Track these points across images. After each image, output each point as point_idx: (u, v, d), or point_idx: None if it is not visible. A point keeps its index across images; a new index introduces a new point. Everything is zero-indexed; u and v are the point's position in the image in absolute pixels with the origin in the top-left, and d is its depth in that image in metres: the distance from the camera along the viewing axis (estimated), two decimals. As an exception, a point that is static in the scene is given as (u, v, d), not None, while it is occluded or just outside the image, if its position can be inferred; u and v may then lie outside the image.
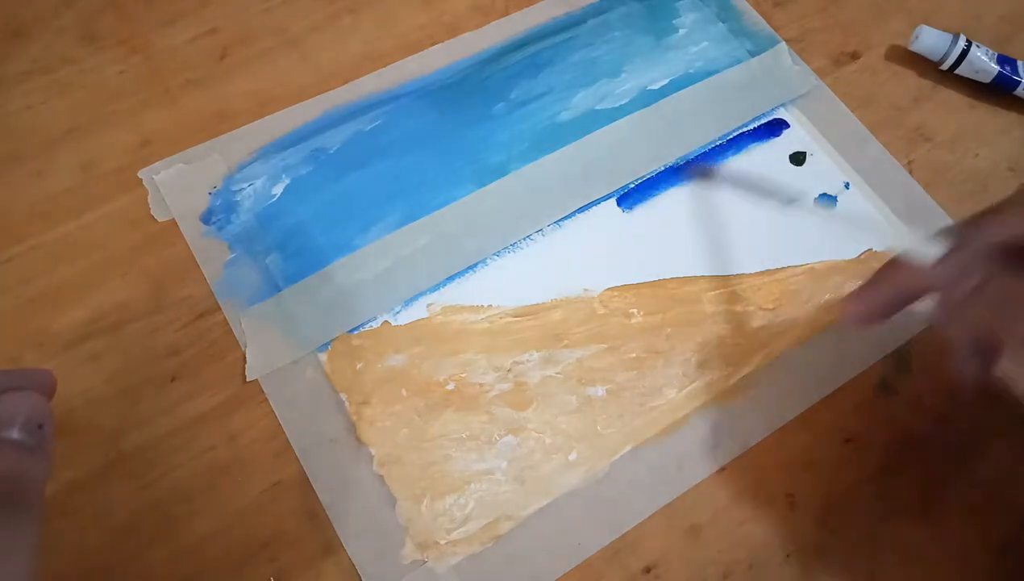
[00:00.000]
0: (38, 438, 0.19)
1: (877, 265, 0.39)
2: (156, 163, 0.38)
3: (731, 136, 0.42)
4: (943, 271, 0.26)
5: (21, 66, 0.40)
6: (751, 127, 0.42)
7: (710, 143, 0.41)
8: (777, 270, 0.39)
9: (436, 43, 0.43)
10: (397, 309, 0.36)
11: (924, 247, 0.26)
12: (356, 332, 0.35)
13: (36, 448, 0.19)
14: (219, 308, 0.35)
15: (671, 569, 0.32)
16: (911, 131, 0.44)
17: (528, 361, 0.35)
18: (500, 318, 0.36)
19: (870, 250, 0.40)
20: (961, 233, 0.26)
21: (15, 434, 0.19)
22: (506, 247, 0.38)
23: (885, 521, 0.34)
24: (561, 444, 0.34)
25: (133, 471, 0.32)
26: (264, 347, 0.34)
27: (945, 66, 0.44)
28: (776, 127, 0.43)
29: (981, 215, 0.27)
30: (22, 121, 0.39)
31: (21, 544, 0.18)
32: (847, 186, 0.41)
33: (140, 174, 0.38)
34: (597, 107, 0.42)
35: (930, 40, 0.44)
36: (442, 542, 0.31)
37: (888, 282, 0.28)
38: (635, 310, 0.37)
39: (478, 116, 0.41)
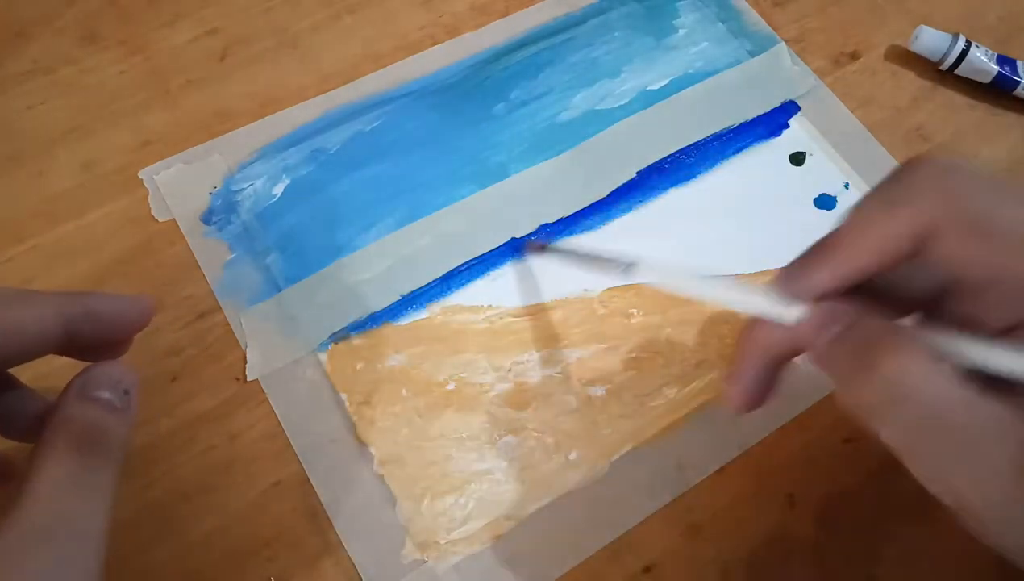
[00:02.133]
0: (124, 401, 0.22)
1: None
2: (156, 163, 0.38)
3: (731, 136, 0.42)
4: (804, 326, 0.22)
5: (21, 66, 0.40)
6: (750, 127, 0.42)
7: (709, 142, 0.42)
8: (777, 270, 0.38)
9: (436, 43, 0.43)
10: (397, 309, 0.36)
11: (777, 308, 0.23)
12: (356, 332, 0.35)
13: (122, 409, 0.22)
14: (219, 308, 0.35)
15: (671, 569, 0.32)
16: (911, 131, 0.44)
17: (528, 361, 0.35)
18: (500, 318, 0.36)
19: (870, 250, 0.40)
20: (795, 274, 0.23)
21: (105, 394, 0.22)
22: (507, 247, 0.38)
23: (885, 521, 0.34)
24: (561, 444, 0.34)
25: (133, 471, 0.32)
26: (264, 347, 0.34)
27: (945, 66, 0.44)
28: (776, 127, 0.43)
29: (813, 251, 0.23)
30: (22, 121, 0.39)
31: (103, 487, 0.20)
32: (847, 186, 0.41)
33: (140, 174, 0.38)
34: (597, 107, 0.42)
35: (930, 40, 0.44)
36: (442, 542, 0.31)
37: (751, 356, 0.24)
38: (635, 310, 0.37)
39: (478, 116, 0.41)
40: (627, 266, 0.27)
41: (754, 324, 0.24)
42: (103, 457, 0.21)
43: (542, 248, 0.32)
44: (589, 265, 0.31)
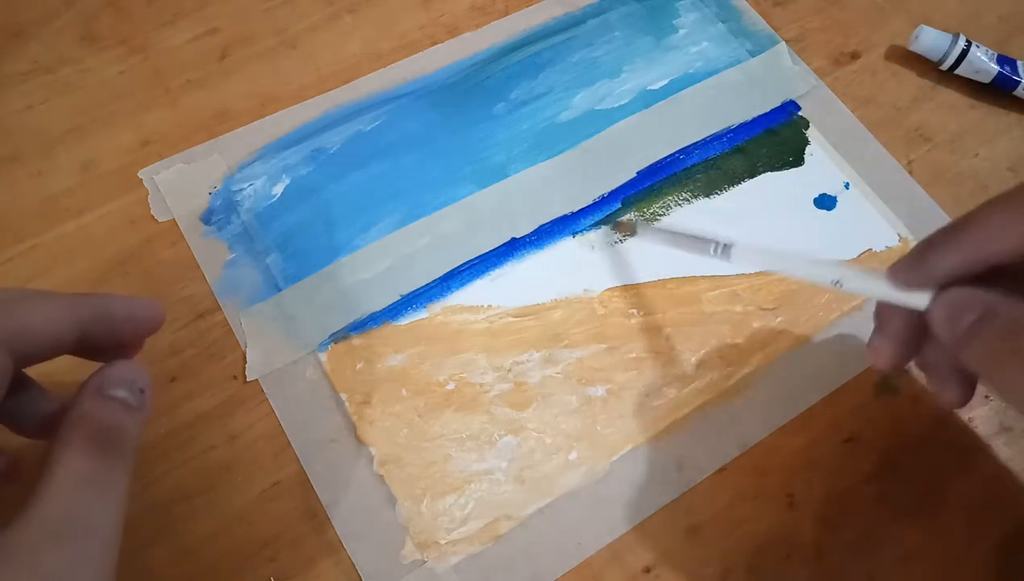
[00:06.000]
0: (139, 400, 0.22)
1: (876, 265, 0.39)
2: (156, 163, 0.38)
3: (731, 135, 0.42)
4: (935, 315, 0.23)
5: (21, 66, 0.40)
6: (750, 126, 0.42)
7: (710, 142, 0.42)
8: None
9: (436, 43, 0.43)
10: (397, 309, 0.36)
11: (900, 295, 0.24)
12: (356, 332, 0.35)
13: (137, 408, 0.22)
14: (219, 308, 0.35)
15: (671, 569, 0.32)
16: (911, 131, 0.44)
17: (528, 361, 0.35)
18: (500, 318, 0.36)
19: (869, 250, 0.40)
20: (920, 261, 0.24)
21: (121, 393, 0.22)
22: (507, 247, 0.38)
23: (885, 521, 0.34)
24: (561, 444, 0.34)
25: (133, 471, 0.31)
26: (264, 347, 0.34)
27: (945, 66, 0.44)
28: (777, 126, 0.43)
29: (944, 232, 0.24)
30: (22, 121, 0.39)
31: (117, 484, 0.21)
32: (847, 186, 0.41)
33: (140, 174, 0.38)
34: (597, 107, 0.42)
35: (930, 40, 0.44)
36: (442, 542, 0.31)
37: (890, 333, 0.26)
38: (635, 310, 0.37)
39: (478, 116, 0.41)
40: (723, 247, 0.28)
41: (884, 307, 0.25)
42: (118, 455, 0.21)
43: (631, 229, 0.33)
44: (681, 245, 0.31)
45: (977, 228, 0.22)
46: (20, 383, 0.24)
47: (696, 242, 0.30)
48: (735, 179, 0.41)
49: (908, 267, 0.24)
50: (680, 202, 0.40)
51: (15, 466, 0.25)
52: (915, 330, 0.25)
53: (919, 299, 0.23)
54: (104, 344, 0.23)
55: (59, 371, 0.25)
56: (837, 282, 0.26)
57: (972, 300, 0.22)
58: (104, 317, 0.23)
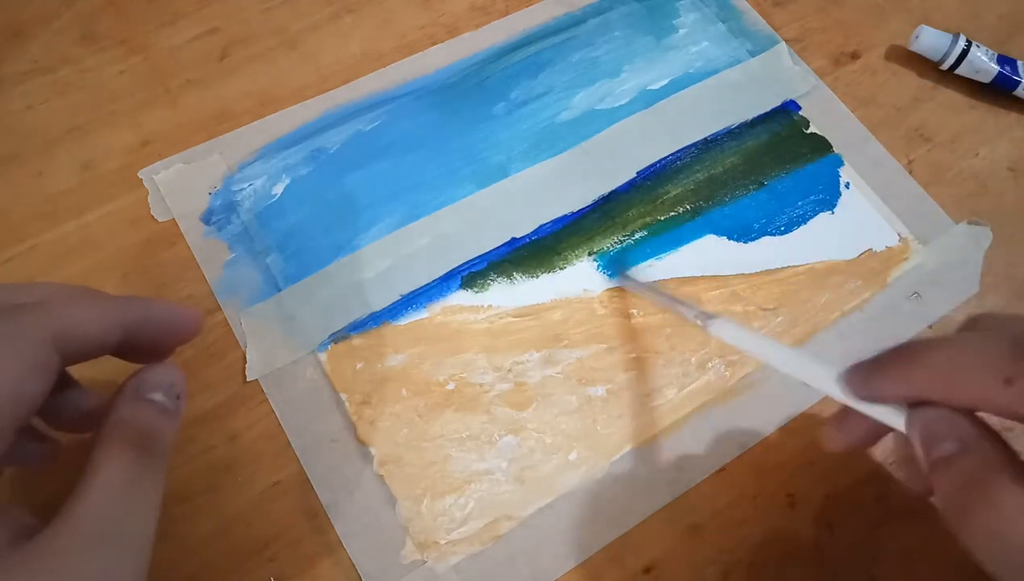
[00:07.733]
0: (175, 405, 0.23)
1: (876, 265, 0.39)
2: (156, 163, 0.38)
3: (731, 135, 0.42)
4: (911, 433, 0.22)
5: (21, 66, 0.40)
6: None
7: (709, 142, 0.42)
8: (777, 270, 0.39)
9: (436, 43, 0.43)
10: (397, 309, 0.36)
11: (881, 411, 0.23)
12: (356, 332, 0.35)
13: (172, 412, 0.23)
14: (219, 308, 0.35)
15: (671, 569, 0.32)
16: (911, 131, 0.44)
17: (528, 361, 0.35)
18: (500, 318, 0.36)
19: (869, 250, 0.40)
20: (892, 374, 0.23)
21: (158, 396, 0.22)
22: (507, 246, 0.38)
23: (885, 521, 0.34)
24: (561, 444, 0.34)
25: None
26: (264, 347, 0.34)
27: (945, 66, 0.44)
28: (777, 126, 0.43)
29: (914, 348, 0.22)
30: (22, 121, 0.39)
31: (154, 489, 0.21)
32: (847, 186, 0.41)
33: (140, 174, 0.38)
34: (597, 107, 0.42)
35: (930, 40, 0.44)
36: (442, 542, 0.31)
37: (851, 429, 0.26)
38: (635, 310, 0.37)
39: (478, 116, 0.41)
40: (705, 317, 0.29)
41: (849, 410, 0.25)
42: (155, 459, 0.21)
43: (624, 278, 0.35)
44: (667, 304, 0.33)
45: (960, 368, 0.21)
46: (63, 381, 0.24)
47: (677, 305, 0.32)
48: (735, 179, 0.41)
49: (872, 371, 0.23)
50: (679, 203, 0.40)
51: (57, 452, 0.26)
52: (875, 431, 0.25)
53: (895, 419, 0.23)
54: (142, 347, 0.24)
55: (85, 365, 0.25)
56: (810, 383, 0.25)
57: (955, 426, 0.21)
58: (148, 322, 0.23)
